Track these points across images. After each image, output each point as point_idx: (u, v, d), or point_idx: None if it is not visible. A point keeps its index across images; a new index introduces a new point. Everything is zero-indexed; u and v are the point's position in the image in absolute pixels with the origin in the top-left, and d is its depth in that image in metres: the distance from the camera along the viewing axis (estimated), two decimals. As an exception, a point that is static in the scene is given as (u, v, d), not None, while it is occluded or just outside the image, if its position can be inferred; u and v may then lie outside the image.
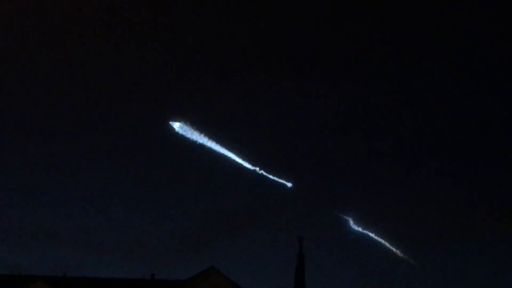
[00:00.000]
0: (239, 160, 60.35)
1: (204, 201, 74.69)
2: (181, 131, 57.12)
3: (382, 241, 66.93)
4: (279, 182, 62.36)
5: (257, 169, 60.98)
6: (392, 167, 76.84)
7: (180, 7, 73.18)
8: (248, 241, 71.80)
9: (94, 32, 72.24)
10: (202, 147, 58.55)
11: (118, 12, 72.20)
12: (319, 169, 75.03)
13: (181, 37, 73.71)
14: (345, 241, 69.34)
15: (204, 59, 73.94)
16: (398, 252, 67.71)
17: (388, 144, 76.81)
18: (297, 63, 75.63)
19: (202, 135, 57.87)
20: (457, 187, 76.67)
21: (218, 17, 73.73)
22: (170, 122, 56.66)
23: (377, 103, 77.25)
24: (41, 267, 64.87)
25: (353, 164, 75.96)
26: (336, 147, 75.39)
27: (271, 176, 61.93)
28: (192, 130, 57.27)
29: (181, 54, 73.67)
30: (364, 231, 66.75)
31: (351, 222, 66.40)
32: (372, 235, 66.70)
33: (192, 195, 74.96)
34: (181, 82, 72.94)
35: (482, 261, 74.61)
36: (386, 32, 77.07)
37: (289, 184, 62.64)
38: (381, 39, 76.76)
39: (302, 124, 73.72)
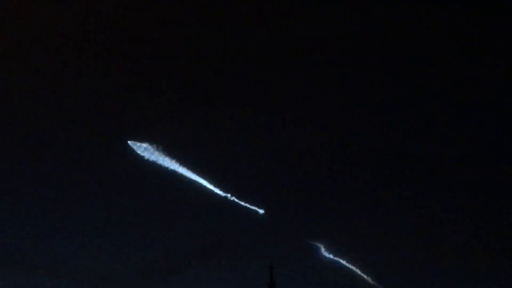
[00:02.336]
0: (210, 186, 60.18)
1: (174, 228, 74.06)
2: (152, 157, 56.86)
3: (354, 268, 67.06)
4: (251, 209, 62.26)
5: (229, 195, 60.83)
6: (364, 194, 76.94)
7: (161, 26, 72.86)
8: (218, 268, 71.34)
9: (64, 46, 71.46)
10: (173, 173, 58.27)
11: (93, 26, 71.56)
12: (292, 195, 74.84)
13: (158, 58, 73.25)
14: (316, 268, 69.24)
15: (179, 83, 73.63)
16: (369, 279, 67.86)
17: (360, 172, 76.92)
18: (272, 91, 75.63)
19: (173, 161, 57.66)
20: (430, 215, 76.98)
21: (197, 40, 73.59)
22: (137, 148, 56.39)
23: (349, 130, 77.41)
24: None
25: (326, 191, 75.94)
26: (309, 174, 75.33)
27: (242, 203, 61.81)
28: (163, 156, 57.04)
29: (156, 77, 73.25)
30: (336, 258, 66.84)
31: (323, 249, 66.45)
32: (343, 262, 66.81)
33: (161, 222, 74.30)
34: (153, 107, 72.46)
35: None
36: (362, 56, 77.46)
37: (261, 211, 62.60)
38: (358, 65, 77.09)
39: (275, 151, 73.58)
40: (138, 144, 56.22)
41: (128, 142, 56.35)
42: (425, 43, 75.63)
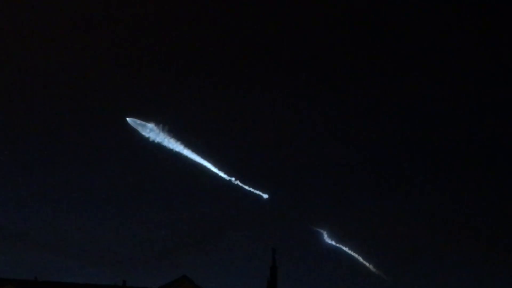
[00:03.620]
0: (215, 169, 60.13)
1: (178, 209, 74.33)
2: (157, 139, 56.87)
3: (356, 255, 66.96)
4: (255, 193, 62.22)
5: (233, 179, 60.77)
6: (368, 182, 77.03)
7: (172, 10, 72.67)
8: (222, 251, 71.62)
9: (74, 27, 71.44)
10: (178, 155, 58.28)
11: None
12: (296, 181, 75.03)
13: (166, 38, 73.22)
14: (318, 254, 69.34)
15: (187, 65, 73.61)
16: (371, 267, 67.76)
17: (365, 159, 77.00)
18: (278, 75, 75.65)
19: (178, 143, 57.62)
20: (432, 203, 77.00)
21: (205, 26, 73.53)
22: (143, 129, 56.32)
23: (354, 116, 77.43)
24: (11, 270, 63.84)
25: (330, 177, 76.07)
26: (314, 159, 75.45)
27: (246, 187, 61.76)
28: (168, 137, 57.02)
29: (165, 59, 73.21)
30: (338, 245, 66.70)
31: (325, 235, 66.36)
32: (345, 249, 66.69)
33: (166, 203, 74.59)
34: (161, 90, 72.53)
35: (455, 278, 74.97)
36: (362, 43, 77.33)
37: (265, 196, 62.52)
38: (363, 52, 76.97)
39: (280, 135, 73.72)
40: (144, 123, 56.18)
41: (135, 121, 56.31)
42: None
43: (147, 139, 56.78)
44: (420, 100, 78.15)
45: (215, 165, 59.78)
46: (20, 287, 46.75)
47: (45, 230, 72.19)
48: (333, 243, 66.40)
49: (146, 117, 56.48)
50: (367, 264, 67.56)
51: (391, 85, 77.54)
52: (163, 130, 56.27)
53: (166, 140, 56.97)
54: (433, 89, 77.65)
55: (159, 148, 57.13)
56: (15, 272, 52.19)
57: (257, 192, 62.32)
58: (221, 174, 60.24)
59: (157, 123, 56.04)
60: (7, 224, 69.76)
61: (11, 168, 71.65)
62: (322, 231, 66.09)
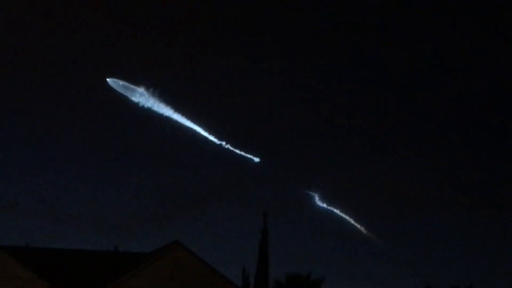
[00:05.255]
0: (205, 133, 59.83)
1: (169, 174, 74.40)
2: (147, 103, 56.46)
3: (347, 217, 67.10)
4: (246, 157, 62.07)
5: (224, 143, 60.52)
6: (360, 144, 77.15)
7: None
8: (213, 215, 71.78)
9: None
10: (168, 119, 57.94)
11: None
12: (288, 144, 75.11)
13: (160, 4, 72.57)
14: (310, 217, 69.54)
15: (179, 29, 73.04)
16: (362, 229, 67.96)
17: (356, 121, 77.01)
18: (269, 39, 75.35)
19: (168, 107, 57.20)
20: (423, 166, 77.25)
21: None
22: (133, 94, 55.86)
23: (346, 79, 77.31)
24: (2, 237, 63.95)
25: (321, 140, 76.14)
26: (306, 122, 75.45)
27: (237, 151, 61.58)
28: (158, 101, 56.61)
29: (154, 21, 72.57)
30: (329, 208, 66.79)
31: (317, 198, 66.37)
32: (337, 211, 66.80)
33: (156, 168, 74.63)
34: (151, 54, 72.02)
35: (445, 239, 75.46)
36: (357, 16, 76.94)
37: (257, 159, 62.40)
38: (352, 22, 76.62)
39: (271, 99, 73.52)
40: (134, 87, 55.72)
41: (117, 82, 55.72)
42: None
43: (136, 104, 56.38)
44: (408, 71, 78.33)
45: (205, 129, 59.52)
46: (11, 253, 46.50)
47: (36, 197, 72.21)
48: (325, 205, 66.53)
49: (135, 81, 56.05)
50: (358, 226, 67.82)
51: (381, 53, 77.52)
52: (153, 94, 55.88)
53: (156, 104, 56.58)
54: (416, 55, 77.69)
55: (149, 112, 56.80)
56: (6, 239, 51.92)
57: (248, 155, 62.23)
58: (212, 138, 60.05)
59: (147, 87, 55.61)
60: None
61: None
62: (313, 194, 66.15)
